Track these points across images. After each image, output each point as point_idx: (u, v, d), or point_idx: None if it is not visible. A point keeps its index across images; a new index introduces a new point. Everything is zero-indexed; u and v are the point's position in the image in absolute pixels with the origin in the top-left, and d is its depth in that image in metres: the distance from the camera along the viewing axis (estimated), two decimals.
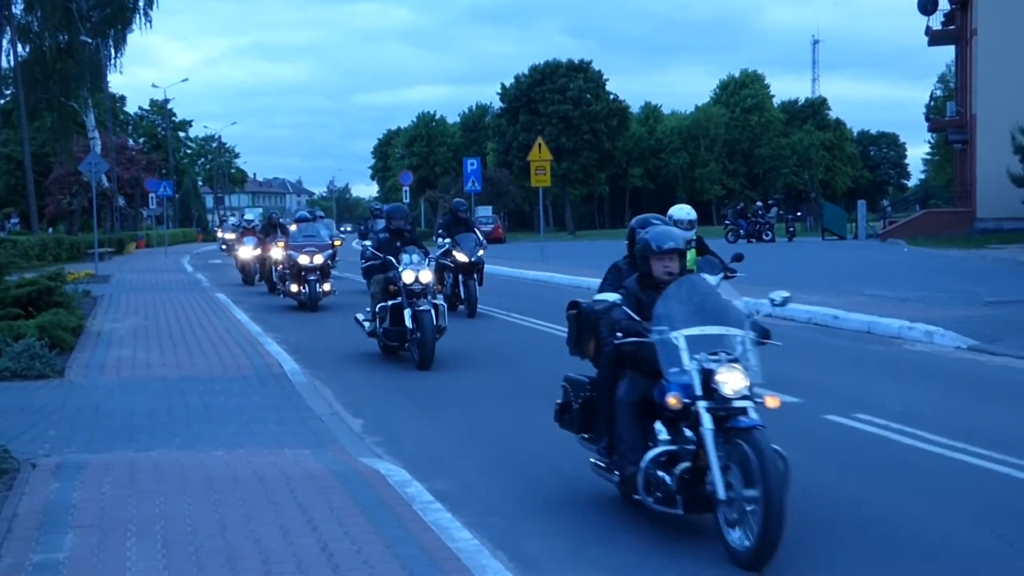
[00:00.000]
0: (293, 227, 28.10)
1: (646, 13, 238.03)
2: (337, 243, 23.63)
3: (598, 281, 9.52)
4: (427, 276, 15.52)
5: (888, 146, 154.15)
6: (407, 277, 15.31)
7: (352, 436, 10.65)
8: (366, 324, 16.33)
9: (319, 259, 24.12)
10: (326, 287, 24.35)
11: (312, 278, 23.89)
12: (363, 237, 26.44)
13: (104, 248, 50.15)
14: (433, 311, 15.27)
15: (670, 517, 7.43)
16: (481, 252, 22.70)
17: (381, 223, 25.08)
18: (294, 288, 24.29)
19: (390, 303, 15.59)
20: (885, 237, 56.57)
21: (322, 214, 35.03)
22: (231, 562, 6.48)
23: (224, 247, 58.35)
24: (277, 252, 27.06)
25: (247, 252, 33.65)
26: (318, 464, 9.02)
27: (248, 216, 37.20)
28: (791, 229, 64.24)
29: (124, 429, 10.65)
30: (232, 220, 72.76)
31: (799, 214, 76.56)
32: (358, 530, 7.09)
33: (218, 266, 47.37)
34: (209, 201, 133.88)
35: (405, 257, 15.59)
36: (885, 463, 9.30)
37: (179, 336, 18.47)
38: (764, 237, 59.87)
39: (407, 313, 15.20)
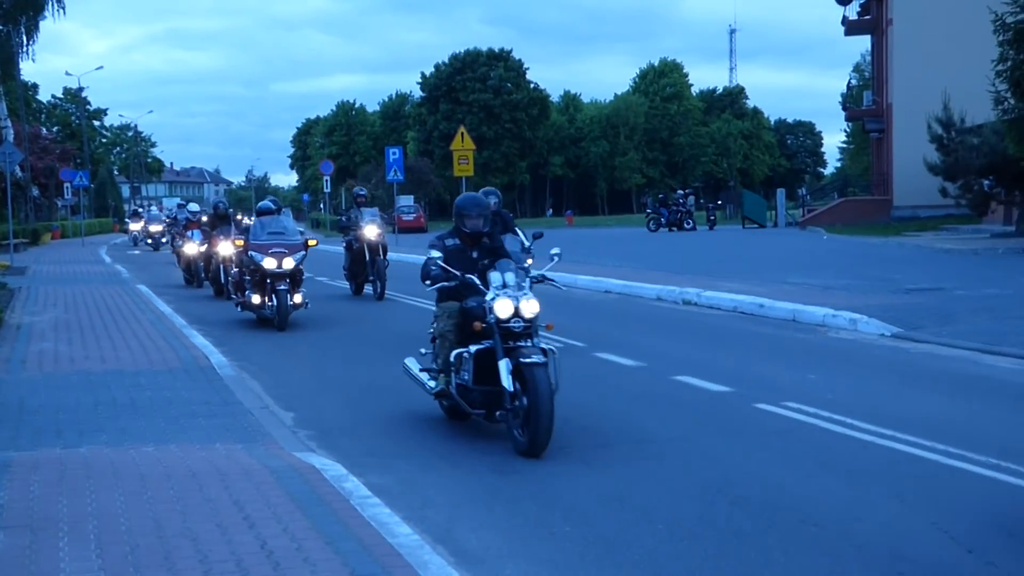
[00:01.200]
0: (246, 220, 27.29)
1: (565, 2, 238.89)
2: (312, 242, 19.64)
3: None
4: (532, 308, 9.89)
5: (805, 135, 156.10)
6: (502, 310, 9.75)
7: (284, 430, 10.54)
8: (427, 380, 10.89)
9: (290, 263, 18.86)
10: (297, 299, 18.98)
11: (281, 287, 18.64)
12: (344, 231, 25.91)
13: (19, 239, 49.27)
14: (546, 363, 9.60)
15: (617, 510, 7.43)
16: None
17: (371, 212, 24.83)
18: (256, 299, 19.21)
19: (474, 348, 9.97)
20: (804, 225, 57.20)
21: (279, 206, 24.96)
22: (168, 561, 6.38)
23: (150, 241, 56.80)
24: (226, 248, 24.18)
25: (193, 248, 29.19)
26: (252, 459, 8.92)
27: (192, 206, 33.63)
28: (712, 218, 64.72)
29: (50, 425, 10.45)
30: (155, 211, 69.33)
31: (719, 202, 77.15)
32: (296, 527, 7.01)
33: (141, 260, 45.55)
34: (125, 191, 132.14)
35: (496, 276, 10.05)
36: (816, 451, 9.37)
37: (102, 329, 18.19)
38: (685, 226, 60.25)
39: (504, 366, 9.64)
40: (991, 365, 13.62)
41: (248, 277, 19.67)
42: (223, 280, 24.15)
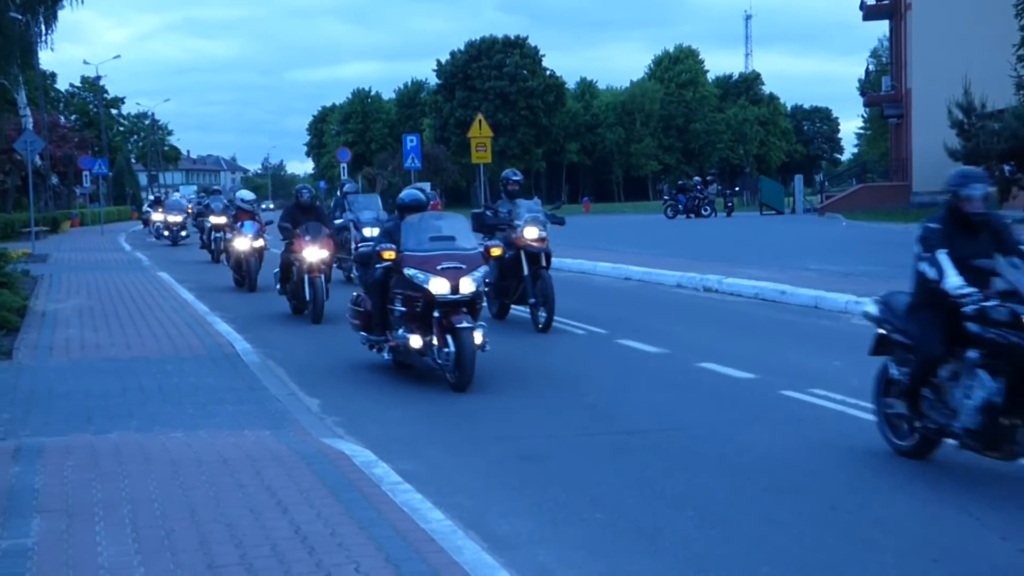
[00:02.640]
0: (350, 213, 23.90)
1: None
2: (495, 251, 13.20)
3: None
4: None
5: (821, 120, 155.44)
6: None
7: (311, 416, 10.59)
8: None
9: (469, 286, 12.26)
10: (478, 337, 11.96)
11: (463, 325, 11.87)
12: (489, 231, 17.78)
13: (39, 227, 49.44)
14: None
15: (647, 496, 7.46)
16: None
17: (530, 206, 17.52)
18: (416, 342, 12.34)
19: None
20: (823, 211, 57.05)
21: (429, 197, 18.88)
22: (204, 546, 6.42)
23: (167, 233, 47.50)
24: (314, 253, 18.36)
25: (245, 243, 24.05)
26: (281, 445, 8.96)
27: (245, 193, 27.32)
28: (729, 204, 64.56)
29: (80, 411, 10.52)
30: (175, 197, 58.41)
31: (736, 189, 76.95)
32: (329, 512, 7.05)
33: (168, 256, 38.18)
34: (143, 179, 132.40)
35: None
36: (844, 438, 9.37)
37: (126, 316, 18.26)
38: (703, 212, 60.12)
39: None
40: None
41: (402, 308, 12.53)
42: (308, 296, 18.19)
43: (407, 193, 13.96)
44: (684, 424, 10.13)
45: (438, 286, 12.02)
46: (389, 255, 12.41)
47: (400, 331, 12.46)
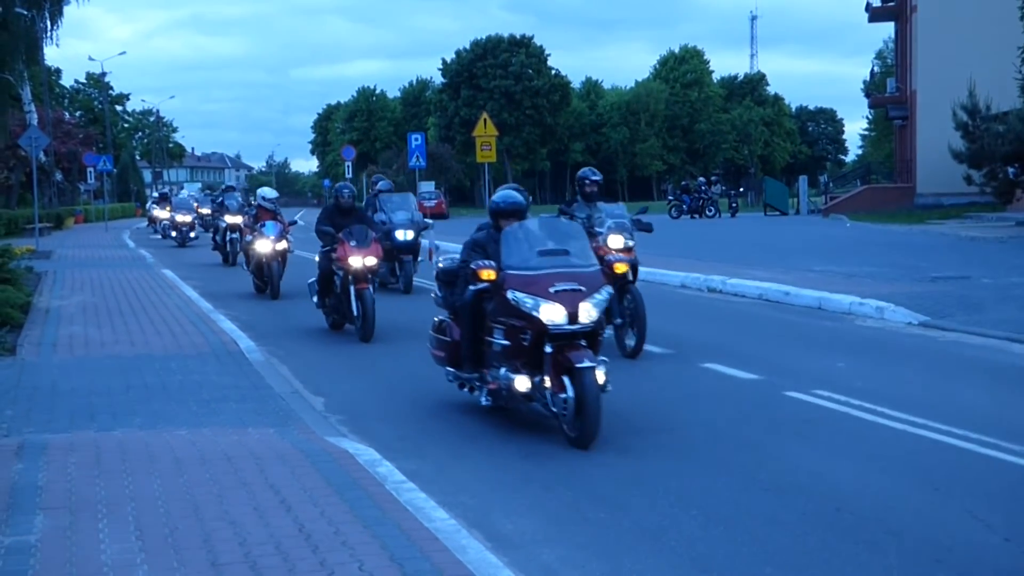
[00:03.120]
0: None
1: None
2: (620, 267, 13.37)
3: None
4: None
5: (826, 122, 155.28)
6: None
7: (315, 415, 10.59)
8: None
9: (589, 313, 9.73)
10: (600, 376, 9.50)
11: (584, 364, 9.31)
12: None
13: (43, 223, 49.49)
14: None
15: (651, 496, 7.46)
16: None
17: (613, 211, 14.96)
18: (523, 383, 9.84)
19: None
20: (827, 212, 56.99)
21: (527, 200, 12.66)
22: (208, 544, 6.42)
23: (175, 234, 44.30)
24: (359, 260, 16.13)
25: (267, 245, 21.97)
26: (285, 443, 8.96)
27: (267, 191, 24.27)
28: (734, 205, 64.49)
29: (83, 408, 10.52)
30: (183, 195, 54.22)
31: (741, 190, 76.91)
32: (333, 511, 7.05)
33: (175, 256, 36.21)
34: (147, 176, 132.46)
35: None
36: (849, 439, 9.37)
37: (129, 313, 18.27)
38: (707, 213, 60.09)
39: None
40: (1020, 354, 13.58)
41: (503, 341, 9.92)
42: (357, 311, 16.03)
43: (503, 195, 11.09)
44: (688, 424, 10.12)
45: (551, 313, 9.48)
46: (489, 275, 9.87)
47: (502, 370, 9.93)
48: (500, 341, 9.93)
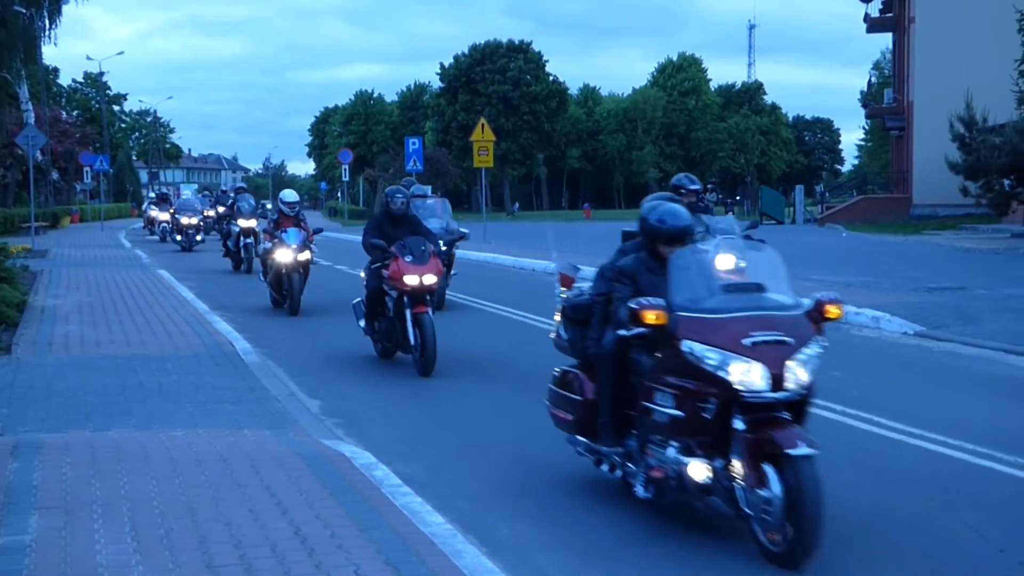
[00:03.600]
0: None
1: None
2: (834, 313, 7.31)
3: (542, 263, 9.68)
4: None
5: (823, 131, 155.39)
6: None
7: (311, 417, 10.59)
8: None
9: (800, 375, 6.88)
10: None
11: (799, 450, 6.47)
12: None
13: (39, 222, 49.44)
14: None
15: (647, 503, 7.45)
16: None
17: (720, 224, 13.12)
18: (700, 472, 6.93)
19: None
20: (823, 222, 57.03)
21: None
22: (203, 545, 6.41)
23: (180, 238, 40.56)
24: (417, 279, 13.61)
25: (287, 255, 19.49)
26: (281, 445, 8.95)
27: (288, 194, 21.37)
28: (730, 213, 64.44)
29: (79, 408, 10.51)
30: (187, 195, 49.29)
31: (737, 198, 76.89)
32: (329, 514, 7.04)
33: (179, 262, 33.31)
34: (143, 176, 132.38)
35: None
36: (844, 448, 9.36)
37: (125, 313, 18.25)
38: None
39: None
40: (1015, 365, 13.60)
41: (675, 411, 7.08)
42: (414, 339, 13.50)
43: (664, 212, 7.87)
44: None
45: (746, 375, 6.71)
46: (657, 317, 7.02)
47: (670, 450, 7.07)
48: (667, 410, 7.09)
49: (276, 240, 19.89)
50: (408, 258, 13.66)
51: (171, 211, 45.06)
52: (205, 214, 42.11)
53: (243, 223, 29.24)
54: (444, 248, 18.05)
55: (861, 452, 9.24)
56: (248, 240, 28.87)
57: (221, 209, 36.91)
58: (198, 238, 40.37)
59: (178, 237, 41.03)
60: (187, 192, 44.12)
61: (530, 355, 14.61)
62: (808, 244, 39.22)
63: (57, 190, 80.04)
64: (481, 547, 6.73)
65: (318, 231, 21.53)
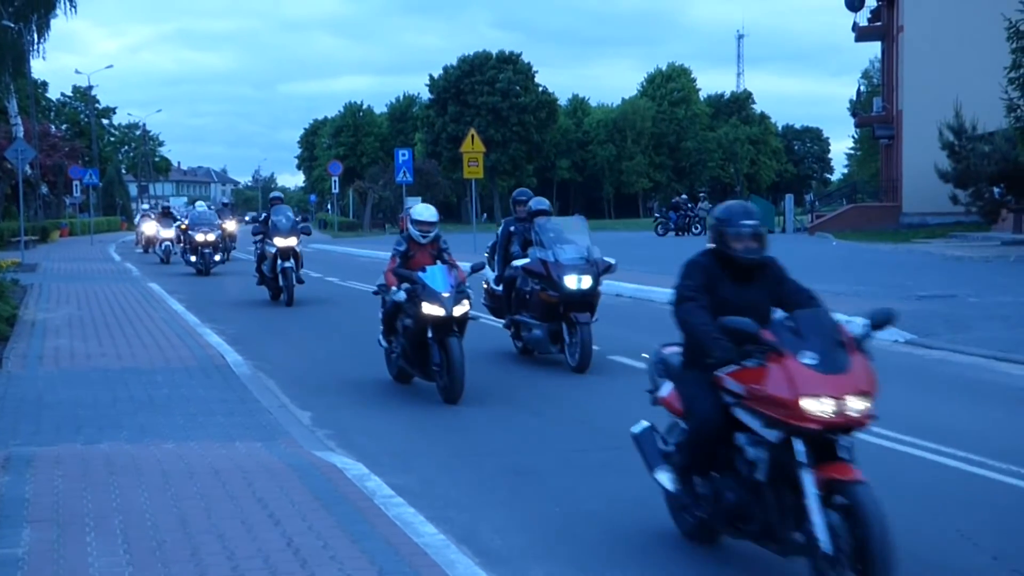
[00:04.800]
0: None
1: (573, 6, 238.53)
2: None
3: None
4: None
5: (812, 140, 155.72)
6: None
7: (302, 429, 10.58)
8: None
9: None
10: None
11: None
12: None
13: (28, 236, 49.36)
14: None
15: (640, 514, 7.45)
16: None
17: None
18: None
19: None
20: (813, 231, 57.11)
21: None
22: (196, 557, 6.40)
23: (194, 259, 33.49)
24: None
25: (436, 311, 12.35)
26: (272, 457, 8.94)
27: (425, 212, 13.46)
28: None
29: (70, 421, 10.49)
30: (201, 206, 37.00)
31: None
32: (322, 525, 7.03)
33: (188, 285, 28.52)
34: (133, 189, 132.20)
35: None
36: None
37: (116, 326, 18.21)
38: (693, 231, 60.16)
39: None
40: (1006, 372, 13.64)
41: None
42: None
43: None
44: None
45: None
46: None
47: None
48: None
49: (417, 286, 12.55)
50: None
51: (183, 226, 36.49)
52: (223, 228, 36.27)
53: (280, 242, 23.50)
54: (588, 286, 14.37)
55: (857, 459, 9.22)
56: (288, 264, 23.38)
57: (230, 225, 33.46)
58: (216, 258, 33.82)
59: (192, 258, 33.70)
60: (200, 204, 33.04)
61: (516, 367, 14.65)
62: (798, 253, 39.23)
63: (46, 204, 79.95)
64: (474, 557, 6.73)
65: (479, 267, 15.12)
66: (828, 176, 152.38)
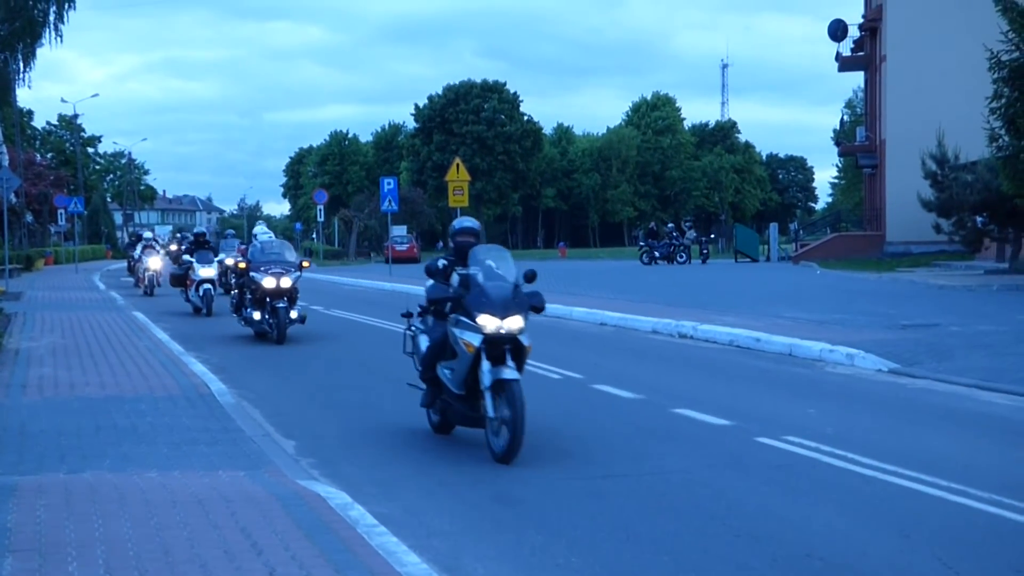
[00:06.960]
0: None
1: (558, 36, 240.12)
2: None
3: None
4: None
5: (796, 169, 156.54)
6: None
7: (286, 458, 10.56)
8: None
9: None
10: None
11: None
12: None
13: (13, 265, 49.24)
14: None
15: (622, 541, 7.46)
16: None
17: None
18: None
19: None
20: (797, 260, 57.29)
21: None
22: None
23: (258, 306, 21.72)
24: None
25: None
26: (256, 486, 8.93)
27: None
28: (705, 251, 64.65)
29: (53, 450, 10.46)
30: (265, 235, 26.87)
31: (712, 236, 77.21)
32: (305, 554, 7.02)
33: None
34: (118, 218, 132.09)
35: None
36: (818, 485, 9.40)
37: (100, 355, 18.19)
38: (678, 259, 60.29)
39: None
40: (988, 401, 13.67)
41: None
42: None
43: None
44: (659, 470, 10.13)
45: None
46: None
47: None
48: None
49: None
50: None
51: (240, 264, 23.17)
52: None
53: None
54: None
55: (835, 489, 9.26)
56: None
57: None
58: (293, 315, 21.63)
59: (256, 315, 21.76)
60: (266, 232, 22.50)
61: None
62: (782, 281, 39.38)
63: (31, 232, 79.82)
64: None
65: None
66: (812, 205, 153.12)
